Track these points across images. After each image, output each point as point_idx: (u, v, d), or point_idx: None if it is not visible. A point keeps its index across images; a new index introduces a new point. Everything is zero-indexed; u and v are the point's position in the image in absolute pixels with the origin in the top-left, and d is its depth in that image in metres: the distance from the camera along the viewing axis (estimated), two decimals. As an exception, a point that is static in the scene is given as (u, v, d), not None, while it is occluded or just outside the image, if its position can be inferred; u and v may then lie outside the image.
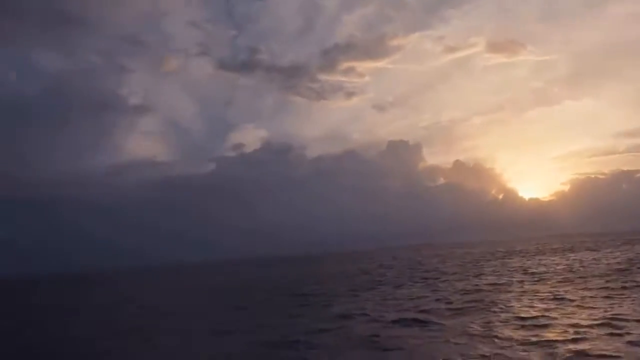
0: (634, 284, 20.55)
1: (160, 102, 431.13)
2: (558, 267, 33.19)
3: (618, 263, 32.54)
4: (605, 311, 14.51)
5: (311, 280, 40.46)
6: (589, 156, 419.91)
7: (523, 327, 13.19)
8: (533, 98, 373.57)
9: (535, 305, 16.88)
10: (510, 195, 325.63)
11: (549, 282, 23.89)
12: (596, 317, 13.68)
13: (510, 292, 21.26)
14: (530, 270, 32.13)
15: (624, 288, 19.42)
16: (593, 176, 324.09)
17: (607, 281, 22.23)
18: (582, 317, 13.91)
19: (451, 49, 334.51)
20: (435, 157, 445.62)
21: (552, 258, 45.07)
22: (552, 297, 18.55)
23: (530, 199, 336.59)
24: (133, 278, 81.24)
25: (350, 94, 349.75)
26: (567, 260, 40.47)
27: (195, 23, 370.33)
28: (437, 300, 20.29)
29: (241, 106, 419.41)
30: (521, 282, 25.19)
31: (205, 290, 38.73)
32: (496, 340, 11.81)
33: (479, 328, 13.43)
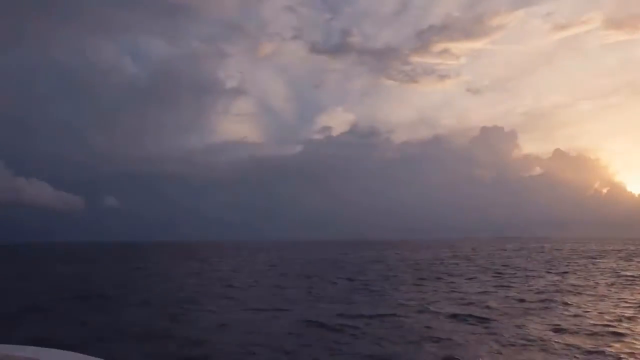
0: None
1: (254, 85, 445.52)
2: (658, 272, 29.69)
3: None
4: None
5: (381, 265, 40.15)
6: None
7: (592, 334, 11.98)
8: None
9: (615, 311, 15.23)
10: (617, 189, 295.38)
11: (640, 288, 21.46)
12: (685, 332, 12.04)
13: (592, 295, 19.40)
14: (623, 273, 29.05)
15: None
16: None
17: None
18: (668, 330, 12.32)
19: (561, 27, 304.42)
20: (532, 146, 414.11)
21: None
22: (638, 304, 16.63)
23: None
24: (221, 250, 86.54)
25: (443, 77, 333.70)
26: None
27: (292, 7, 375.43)
28: (506, 297, 19.12)
29: (331, 89, 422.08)
30: (608, 285, 22.89)
31: (279, 270, 40.06)
32: (555, 345, 10.85)
33: (541, 331, 12.44)
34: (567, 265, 36.84)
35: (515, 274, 30.02)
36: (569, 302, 17.15)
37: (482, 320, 14.17)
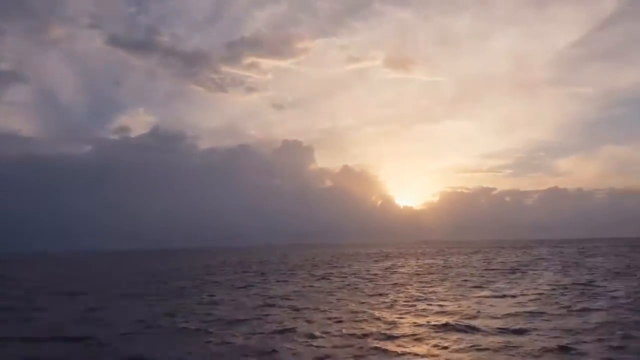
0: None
1: (36, 71, 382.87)
2: (373, 273, 34.47)
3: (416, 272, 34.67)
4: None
5: (142, 277, 37.19)
6: (458, 172, 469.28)
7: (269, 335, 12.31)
8: (419, 115, 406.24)
9: (323, 312, 16.32)
10: (388, 202, 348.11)
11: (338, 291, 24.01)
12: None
13: (314, 299, 20.56)
14: (365, 275, 32.77)
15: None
16: (459, 190, 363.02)
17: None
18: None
19: (353, 59, 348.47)
20: (326, 160, 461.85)
21: (390, 262, 47.20)
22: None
23: (405, 207, 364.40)
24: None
25: (250, 90, 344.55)
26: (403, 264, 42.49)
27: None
28: (236, 304, 19.00)
29: (131, 88, 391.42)
30: (340, 288, 24.84)
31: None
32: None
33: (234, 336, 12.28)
34: (331, 268, 40.05)
35: (277, 279, 31.24)
36: (295, 306, 18.07)
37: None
